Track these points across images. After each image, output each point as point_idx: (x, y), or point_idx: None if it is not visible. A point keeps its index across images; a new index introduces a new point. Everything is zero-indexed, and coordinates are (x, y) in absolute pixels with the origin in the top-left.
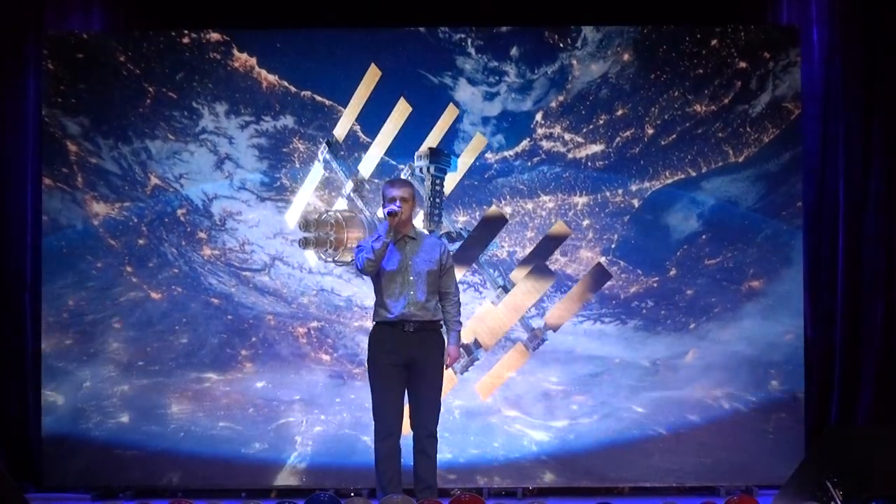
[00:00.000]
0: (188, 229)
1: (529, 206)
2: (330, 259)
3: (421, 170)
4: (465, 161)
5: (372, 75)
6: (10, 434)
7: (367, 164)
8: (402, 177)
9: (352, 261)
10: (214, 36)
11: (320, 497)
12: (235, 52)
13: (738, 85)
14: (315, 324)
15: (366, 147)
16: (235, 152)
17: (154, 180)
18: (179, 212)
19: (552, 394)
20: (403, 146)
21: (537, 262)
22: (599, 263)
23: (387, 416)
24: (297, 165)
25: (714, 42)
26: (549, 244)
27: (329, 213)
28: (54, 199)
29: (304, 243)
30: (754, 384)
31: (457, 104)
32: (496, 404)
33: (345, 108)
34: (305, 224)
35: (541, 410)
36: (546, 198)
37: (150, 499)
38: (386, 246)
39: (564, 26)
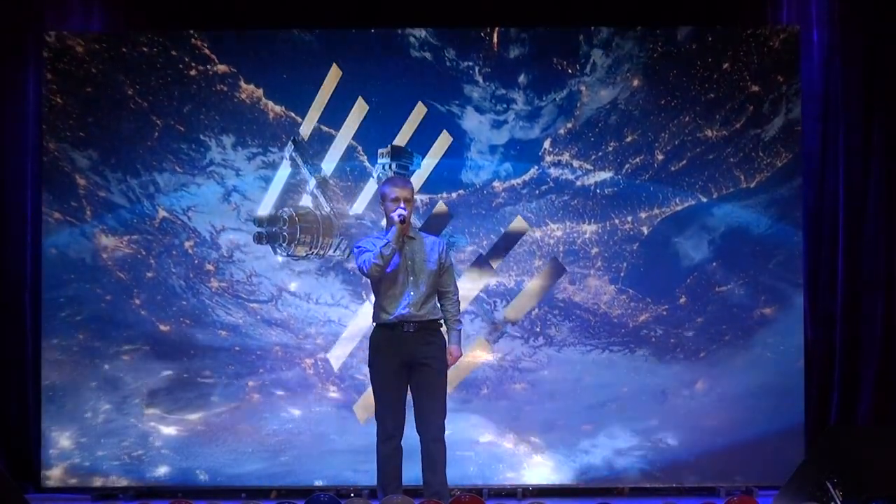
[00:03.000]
0: (196, 262)
1: (537, 234)
2: (284, 254)
3: (383, 167)
4: (430, 162)
5: (333, 75)
6: (10, 434)
7: (330, 161)
8: (374, 175)
9: (306, 255)
10: (221, 68)
11: (320, 497)
12: (242, 83)
13: (751, 109)
14: (322, 355)
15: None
16: (242, 184)
17: (162, 213)
18: (187, 244)
19: (559, 423)
20: (378, 145)
21: (496, 257)
22: (555, 258)
23: (388, 419)
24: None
25: (726, 66)
26: (509, 240)
27: (283, 210)
28: (63, 232)
29: (258, 238)
30: (762, 410)
31: (463, 132)
32: (502, 433)
33: (352, 137)
34: (259, 220)
35: (547, 439)
36: (554, 226)
37: (150, 499)
38: (394, 252)
39: (564, 28)
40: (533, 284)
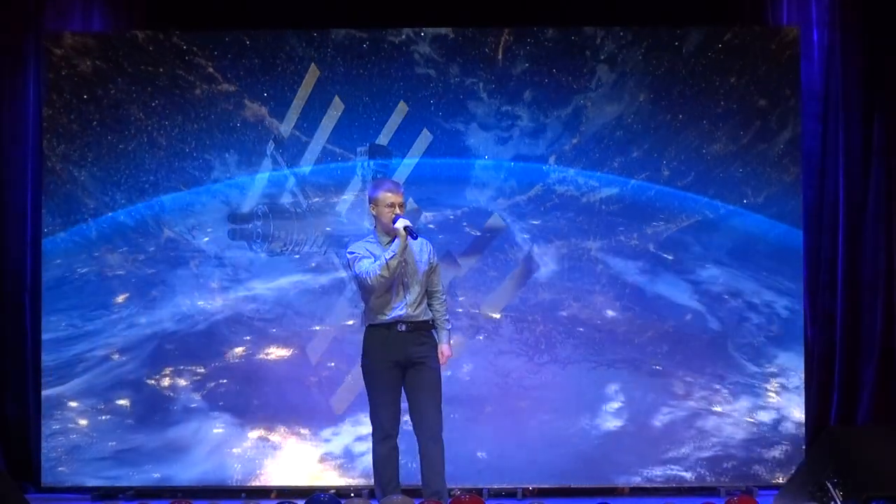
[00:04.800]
0: (200, 280)
1: (541, 249)
2: (260, 250)
3: (363, 165)
4: (411, 161)
5: (312, 75)
6: (10, 434)
7: (309, 160)
8: (358, 174)
9: (281, 251)
10: (226, 86)
11: (320, 497)
12: (247, 102)
13: (758, 124)
14: (326, 373)
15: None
16: (247, 203)
17: (167, 232)
18: (192, 263)
19: (562, 438)
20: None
21: (473, 254)
22: (529, 254)
23: (384, 418)
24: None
25: (733, 80)
26: (485, 237)
27: (258, 207)
28: (70, 251)
29: (233, 234)
30: (763, 410)
31: (468, 148)
32: (502, 440)
33: (355, 156)
34: (234, 217)
35: (550, 450)
36: (559, 242)
37: (150, 499)
38: (401, 263)
39: (559, 28)
40: (508, 281)
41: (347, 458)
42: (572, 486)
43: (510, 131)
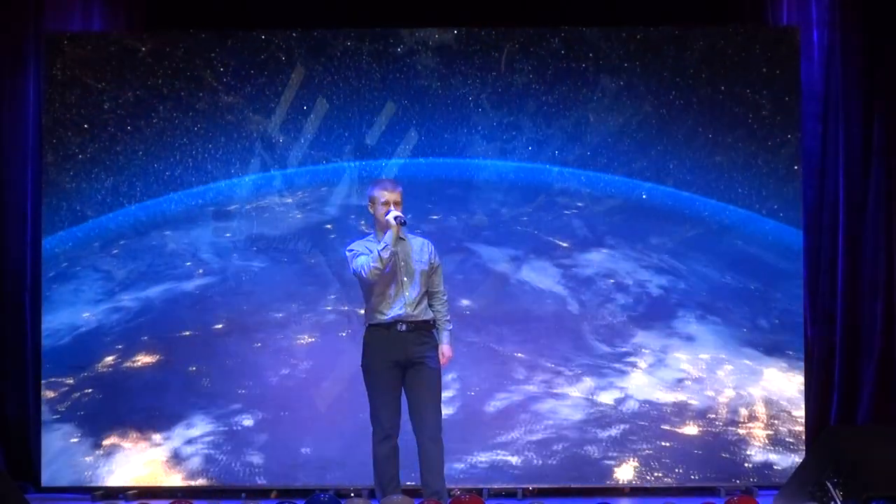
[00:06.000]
0: (204, 293)
1: (545, 262)
2: (243, 248)
3: (349, 166)
4: (397, 162)
5: (297, 75)
6: (10, 434)
7: (295, 159)
8: (346, 174)
9: (266, 249)
10: (228, 98)
11: (320, 497)
12: (250, 114)
13: (758, 124)
14: (330, 385)
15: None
16: (233, 202)
17: (170, 245)
18: (195, 275)
19: (563, 440)
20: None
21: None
22: (514, 257)
23: (384, 418)
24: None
25: (733, 80)
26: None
27: (243, 206)
28: (73, 265)
29: (216, 233)
30: (762, 410)
31: (470, 159)
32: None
33: (342, 156)
34: (217, 214)
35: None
36: (563, 253)
37: (150, 499)
38: (393, 254)
39: (555, 28)
40: (493, 278)
41: (177, 459)
42: (572, 486)
43: (513, 143)
